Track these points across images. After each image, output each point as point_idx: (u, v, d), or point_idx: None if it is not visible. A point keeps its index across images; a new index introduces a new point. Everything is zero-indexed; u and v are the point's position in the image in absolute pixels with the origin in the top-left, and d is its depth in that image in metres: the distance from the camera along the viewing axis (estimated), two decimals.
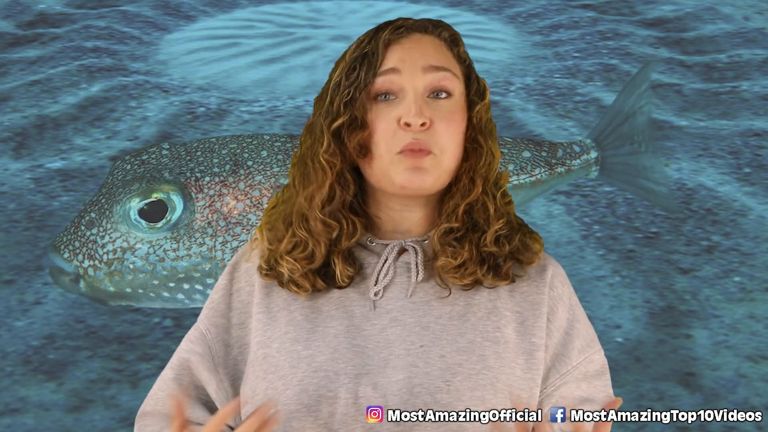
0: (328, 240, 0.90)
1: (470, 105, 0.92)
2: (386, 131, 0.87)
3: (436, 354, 0.87)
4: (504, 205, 0.94)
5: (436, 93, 0.89)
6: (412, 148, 0.86)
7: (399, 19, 0.93)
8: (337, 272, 0.90)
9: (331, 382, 0.86)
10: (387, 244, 0.93)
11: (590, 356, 0.94)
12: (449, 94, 0.89)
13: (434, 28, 0.93)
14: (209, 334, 0.94)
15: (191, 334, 0.96)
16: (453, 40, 0.94)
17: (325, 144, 0.89)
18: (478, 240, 0.91)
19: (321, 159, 0.89)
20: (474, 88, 0.93)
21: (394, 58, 0.89)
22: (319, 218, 0.90)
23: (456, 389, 0.86)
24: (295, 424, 0.86)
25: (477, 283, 0.91)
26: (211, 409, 0.94)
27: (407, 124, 0.86)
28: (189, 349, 0.94)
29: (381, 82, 0.88)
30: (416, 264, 0.91)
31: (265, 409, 0.79)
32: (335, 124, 0.88)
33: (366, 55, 0.89)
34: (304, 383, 0.86)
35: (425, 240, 0.94)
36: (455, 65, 0.92)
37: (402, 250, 0.93)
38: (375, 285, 0.91)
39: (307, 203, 0.91)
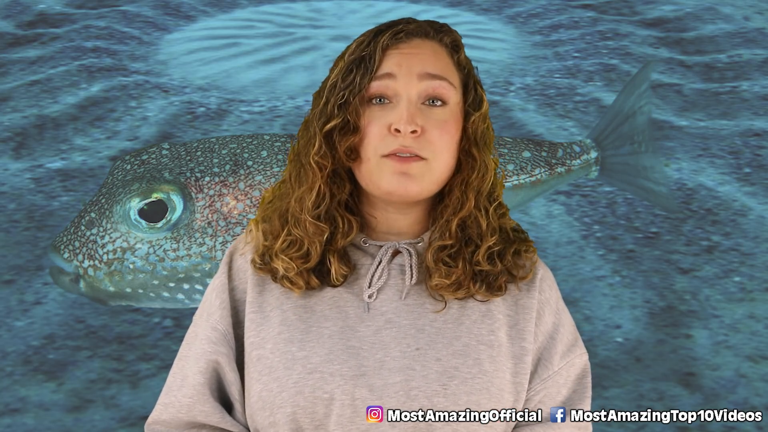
0: (323, 239, 0.90)
1: (466, 115, 0.91)
2: (376, 135, 0.87)
3: (432, 357, 0.87)
4: (497, 218, 0.93)
5: (431, 100, 0.88)
6: (400, 153, 0.86)
7: (401, 21, 0.91)
8: (333, 271, 0.90)
9: (327, 383, 0.86)
10: (381, 246, 0.92)
11: (572, 360, 0.94)
12: (444, 103, 0.89)
13: (436, 33, 0.91)
14: (228, 334, 0.93)
15: (210, 335, 0.93)
16: (454, 46, 0.92)
17: (316, 146, 0.89)
18: (471, 255, 0.90)
19: (311, 161, 0.89)
20: (471, 97, 0.91)
21: (390, 63, 0.88)
22: (309, 220, 0.89)
23: (453, 393, 0.86)
24: (291, 425, 0.86)
25: (470, 297, 0.91)
26: (229, 407, 0.93)
27: (398, 131, 0.86)
28: (215, 351, 0.92)
29: (376, 87, 0.88)
30: (410, 266, 0.91)
31: None
32: (327, 127, 0.88)
33: (363, 59, 0.88)
34: (300, 385, 0.86)
35: (419, 242, 0.93)
36: (453, 73, 0.91)
37: (396, 252, 0.93)
38: (369, 287, 0.90)
39: (298, 205, 0.91)
